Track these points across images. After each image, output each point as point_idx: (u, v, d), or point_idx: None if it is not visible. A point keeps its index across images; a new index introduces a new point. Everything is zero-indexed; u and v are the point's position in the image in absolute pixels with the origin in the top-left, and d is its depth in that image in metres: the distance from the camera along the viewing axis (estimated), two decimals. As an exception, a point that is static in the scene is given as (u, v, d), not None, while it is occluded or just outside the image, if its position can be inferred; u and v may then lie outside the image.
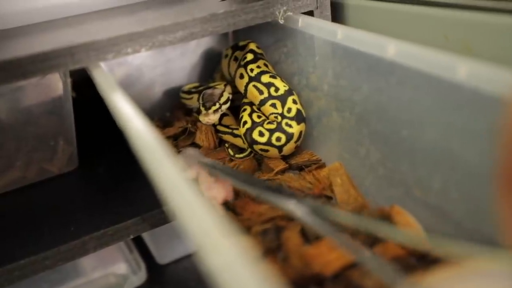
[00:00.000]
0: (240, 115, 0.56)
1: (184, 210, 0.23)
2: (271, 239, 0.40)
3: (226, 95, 0.56)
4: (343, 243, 0.33)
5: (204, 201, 0.23)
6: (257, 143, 0.52)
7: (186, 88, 0.66)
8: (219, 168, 0.44)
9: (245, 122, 0.54)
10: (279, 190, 0.39)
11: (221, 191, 0.43)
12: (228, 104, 0.56)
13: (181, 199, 0.24)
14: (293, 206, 0.37)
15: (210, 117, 0.54)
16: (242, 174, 0.44)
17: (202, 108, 0.54)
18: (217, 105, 0.54)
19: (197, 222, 0.22)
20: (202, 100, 0.55)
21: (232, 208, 0.45)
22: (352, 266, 0.35)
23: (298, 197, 0.37)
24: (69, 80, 0.57)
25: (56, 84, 0.57)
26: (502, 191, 0.19)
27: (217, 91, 0.56)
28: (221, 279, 0.19)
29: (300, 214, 0.36)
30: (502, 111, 0.18)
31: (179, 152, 0.56)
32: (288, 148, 0.52)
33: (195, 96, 0.62)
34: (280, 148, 0.52)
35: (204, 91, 0.57)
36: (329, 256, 0.36)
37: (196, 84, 0.67)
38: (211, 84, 0.60)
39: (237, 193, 0.46)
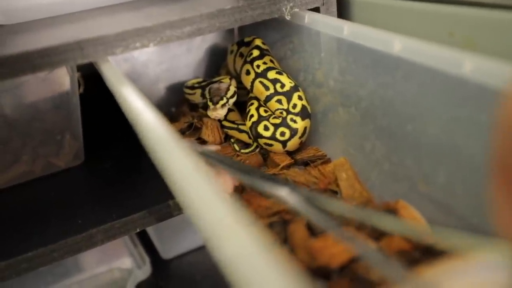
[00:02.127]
0: (247, 109, 0.56)
1: (198, 200, 0.24)
2: (277, 232, 0.40)
3: (232, 89, 0.57)
4: (339, 234, 0.33)
5: (218, 190, 0.23)
6: (261, 137, 0.53)
7: (189, 83, 0.66)
8: (214, 157, 0.44)
9: (252, 116, 0.55)
10: (273, 179, 0.39)
11: (228, 182, 0.43)
12: (234, 98, 0.57)
13: (195, 189, 0.24)
14: (286, 194, 0.37)
15: (218, 112, 0.54)
16: (236, 162, 0.44)
17: (209, 103, 0.54)
18: (225, 100, 0.54)
19: (211, 211, 0.22)
20: (209, 95, 0.56)
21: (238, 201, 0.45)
22: (358, 259, 0.35)
23: (291, 186, 0.38)
24: (76, 75, 0.57)
25: (63, 79, 0.57)
26: (497, 182, 0.20)
27: (223, 85, 0.57)
28: (236, 268, 0.19)
29: (293, 202, 0.36)
30: (500, 103, 0.19)
31: None
32: (292, 144, 0.53)
33: (198, 91, 0.63)
34: (284, 143, 0.53)
35: (210, 86, 0.58)
36: (335, 249, 0.36)
37: (200, 80, 0.67)
38: (216, 78, 0.61)
39: (243, 187, 0.46)
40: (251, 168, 0.42)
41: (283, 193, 0.38)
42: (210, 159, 0.45)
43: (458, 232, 0.36)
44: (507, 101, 0.18)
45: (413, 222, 0.39)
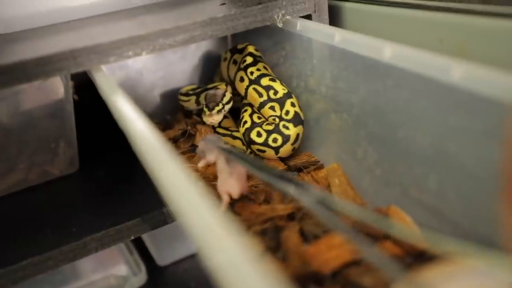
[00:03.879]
0: (241, 115, 0.56)
1: (188, 210, 0.24)
2: (270, 238, 0.40)
3: (228, 95, 0.57)
4: (349, 233, 0.33)
5: (208, 200, 0.24)
6: (254, 143, 0.53)
7: (184, 90, 0.67)
8: (236, 154, 0.45)
9: (245, 122, 0.55)
10: (289, 179, 0.40)
11: (235, 186, 0.43)
12: (230, 104, 0.57)
13: (185, 198, 0.24)
14: (300, 194, 0.37)
15: (213, 118, 0.54)
16: (256, 160, 0.45)
17: (205, 109, 0.55)
18: (220, 105, 0.55)
19: (201, 221, 0.23)
20: (205, 101, 0.56)
21: (231, 208, 0.45)
22: (350, 264, 0.36)
23: (306, 187, 0.38)
24: (70, 83, 0.58)
25: (58, 87, 0.58)
26: (507, 196, 0.20)
27: (219, 91, 0.57)
28: (225, 277, 0.20)
29: (307, 202, 0.37)
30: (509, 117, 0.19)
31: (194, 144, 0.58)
32: (285, 150, 0.53)
33: (193, 98, 0.63)
34: (276, 150, 0.53)
35: (206, 92, 0.58)
36: (328, 254, 0.36)
37: (194, 86, 0.68)
38: (212, 85, 0.61)
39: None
40: (269, 167, 0.43)
41: (296, 193, 0.38)
42: (231, 155, 0.45)
43: (449, 238, 0.36)
44: None
45: (405, 227, 0.39)
